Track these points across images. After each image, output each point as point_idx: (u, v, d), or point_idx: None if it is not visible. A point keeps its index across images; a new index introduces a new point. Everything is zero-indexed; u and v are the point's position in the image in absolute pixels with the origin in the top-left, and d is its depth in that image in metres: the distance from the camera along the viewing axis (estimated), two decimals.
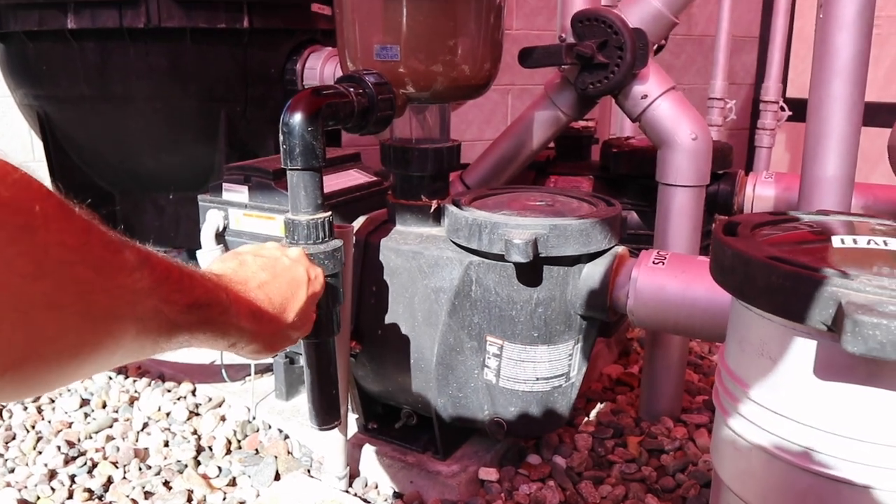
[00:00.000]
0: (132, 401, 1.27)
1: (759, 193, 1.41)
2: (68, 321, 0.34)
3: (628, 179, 1.45)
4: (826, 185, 0.98)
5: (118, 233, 0.39)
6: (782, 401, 0.53)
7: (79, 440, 1.16)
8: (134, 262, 0.39)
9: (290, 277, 0.65)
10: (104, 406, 1.27)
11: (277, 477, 1.06)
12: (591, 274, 0.90)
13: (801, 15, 2.59)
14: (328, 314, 0.77)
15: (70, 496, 1.03)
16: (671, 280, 0.87)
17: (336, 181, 1.18)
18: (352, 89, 0.82)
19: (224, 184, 1.16)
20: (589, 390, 1.30)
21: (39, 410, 1.25)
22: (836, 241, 0.57)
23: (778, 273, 0.49)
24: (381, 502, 1.01)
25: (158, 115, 1.44)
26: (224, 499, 1.02)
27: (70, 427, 1.20)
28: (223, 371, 1.27)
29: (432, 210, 0.99)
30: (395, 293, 0.96)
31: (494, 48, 0.97)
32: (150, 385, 1.32)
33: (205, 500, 1.01)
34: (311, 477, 1.05)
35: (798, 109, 2.34)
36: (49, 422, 1.22)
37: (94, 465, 1.09)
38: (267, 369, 1.30)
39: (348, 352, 0.98)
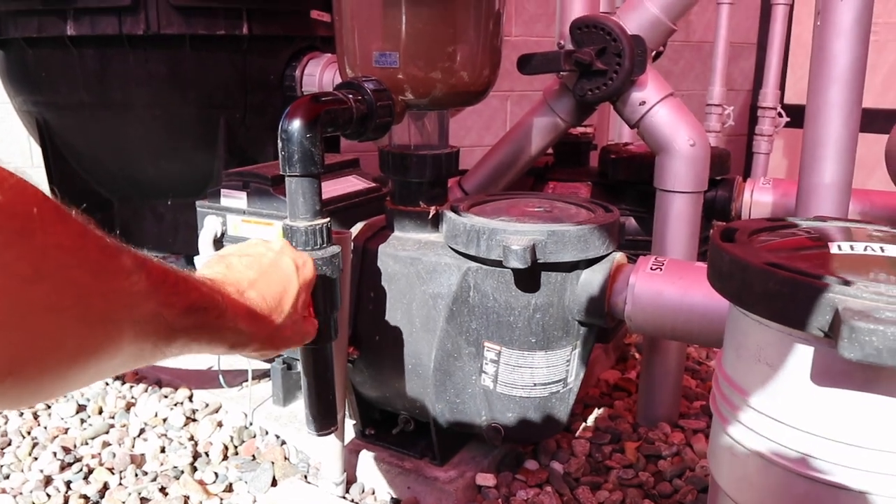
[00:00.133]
0: (129, 406, 1.27)
1: (757, 199, 1.41)
2: (67, 325, 0.34)
3: (626, 185, 1.45)
4: (823, 192, 0.98)
5: (115, 238, 0.39)
6: (779, 407, 0.53)
7: (75, 446, 1.16)
8: (130, 265, 0.39)
9: (278, 271, 0.65)
10: (100, 412, 1.26)
11: (274, 483, 1.05)
12: (589, 280, 0.90)
13: (798, 21, 2.59)
14: (326, 320, 0.77)
15: (66, 502, 1.02)
16: (669, 286, 0.87)
17: (334, 187, 1.18)
18: (351, 96, 0.82)
19: (222, 190, 1.15)
20: (586, 396, 1.30)
21: (35, 416, 1.25)
22: (833, 248, 0.57)
23: (775, 279, 0.49)
24: None
25: (158, 121, 1.44)
26: None
27: (66, 433, 1.20)
28: (221, 377, 1.26)
29: (430, 216, 0.99)
30: (393, 299, 0.96)
31: (493, 55, 0.97)
32: (146, 391, 1.32)
33: None
34: (308, 483, 1.04)
35: (796, 115, 2.34)
36: (45, 427, 1.21)
37: (90, 471, 1.09)
38: (264, 375, 1.30)
39: (346, 357, 0.97)
